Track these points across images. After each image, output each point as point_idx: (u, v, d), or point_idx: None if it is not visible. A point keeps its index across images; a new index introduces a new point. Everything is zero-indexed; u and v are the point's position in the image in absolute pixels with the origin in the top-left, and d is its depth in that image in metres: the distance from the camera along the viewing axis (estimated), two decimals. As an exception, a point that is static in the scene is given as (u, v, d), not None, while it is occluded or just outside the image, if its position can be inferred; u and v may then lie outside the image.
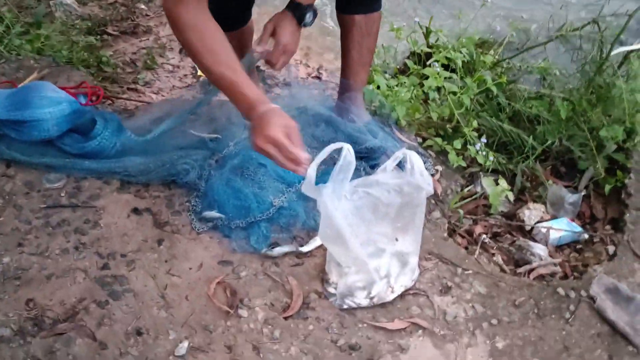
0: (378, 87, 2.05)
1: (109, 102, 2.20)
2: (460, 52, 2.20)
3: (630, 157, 2.22)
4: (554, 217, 2.07)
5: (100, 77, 2.37)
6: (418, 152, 2.00)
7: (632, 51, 2.13)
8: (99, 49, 2.54)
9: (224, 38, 1.46)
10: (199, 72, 2.63)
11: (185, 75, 2.60)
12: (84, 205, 1.66)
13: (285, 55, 1.67)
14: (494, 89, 2.12)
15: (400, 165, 1.51)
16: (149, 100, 2.29)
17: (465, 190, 2.01)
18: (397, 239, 1.53)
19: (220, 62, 1.43)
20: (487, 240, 1.88)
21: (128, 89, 2.40)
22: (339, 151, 1.37)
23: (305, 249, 1.64)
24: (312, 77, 2.73)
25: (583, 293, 1.65)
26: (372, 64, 2.25)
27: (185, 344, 1.36)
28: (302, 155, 1.37)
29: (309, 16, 1.66)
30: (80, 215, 1.63)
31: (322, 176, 1.48)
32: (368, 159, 1.96)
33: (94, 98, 2.05)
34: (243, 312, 1.45)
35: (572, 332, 1.55)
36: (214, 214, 1.64)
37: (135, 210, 1.67)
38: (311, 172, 1.37)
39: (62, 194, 1.68)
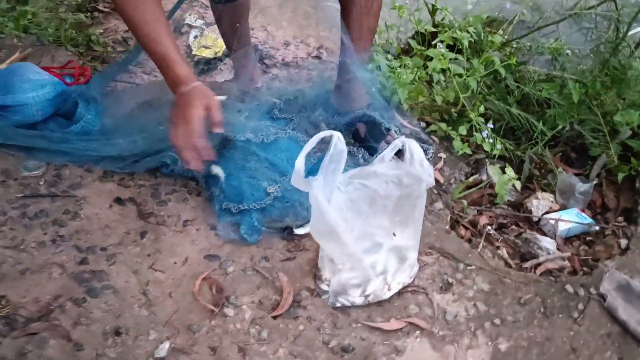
0: (378, 68, 1.93)
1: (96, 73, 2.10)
2: (467, 32, 2.07)
3: (645, 143, 2.11)
4: (563, 207, 1.97)
5: (89, 56, 2.27)
6: (421, 138, 1.91)
7: (650, 31, 2.00)
8: (88, 27, 2.43)
9: (159, 11, 1.47)
10: (194, 51, 2.53)
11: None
12: (64, 194, 1.57)
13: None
14: (502, 71, 2.00)
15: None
16: (139, 82, 2.18)
17: (470, 178, 1.90)
18: (394, 234, 1.44)
19: (153, 35, 1.45)
20: (492, 232, 1.78)
21: (113, 41, 2.30)
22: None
23: (300, 231, 1.56)
24: (312, 57, 2.62)
25: (593, 290, 1.56)
26: (373, 44, 2.13)
27: (167, 344, 1.28)
28: (202, 145, 1.44)
29: None
30: (60, 205, 1.54)
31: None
32: (367, 146, 1.86)
33: (81, 78, 1.95)
34: (229, 311, 1.36)
35: (580, 332, 1.46)
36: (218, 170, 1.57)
37: (118, 200, 1.58)
38: (299, 163, 1.27)
39: (41, 183, 1.59)
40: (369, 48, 1.92)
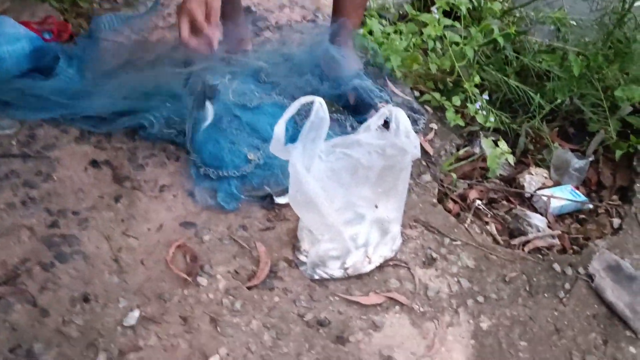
0: (370, 33, 1.85)
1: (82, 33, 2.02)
2: (466, -1, 1.99)
3: (646, 120, 2.04)
4: (557, 184, 1.91)
5: (74, 13, 2.18)
6: (413, 108, 1.84)
7: (657, 2, 1.91)
8: (74, -18, 2.33)
9: None
10: (185, 12, 2.44)
11: (170, 14, 2.39)
12: (37, 155, 1.51)
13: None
14: (501, 41, 1.92)
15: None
16: (125, 41, 2.10)
17: (462, 151, 1.84)
18: (376, 206, 1.38)
19: None
20: (481, 206, 1.73)
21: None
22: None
23: (281, 200, 1.51)
24: (307, 21, 2.52)
25: (581, 270, 1.51)
26: (367, 7, 2.05)
27: (136, 313, 1.24)
28: (208, 29, 1.40)
29: None
30: (32, 166, 1.48)
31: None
32: (356, 114, 1.80)
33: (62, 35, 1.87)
34: (203, 281, 1.32)
35: (565, 312, 1.42)
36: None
37: (94, 163, 1.52)
38: (279, 129, 1.22)
39: (14, 142, 1.53)
40: (362, 12, 1.84)
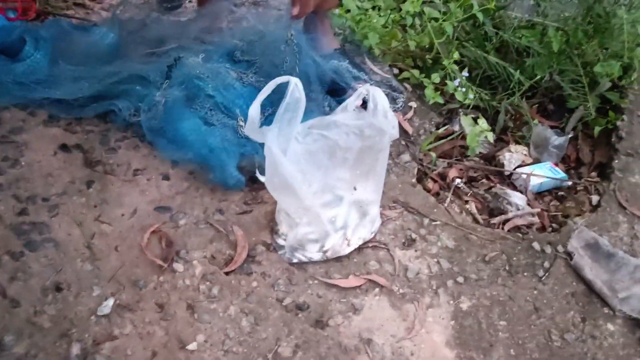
0: (348, 12, 1.81)
1: (50, 18, 1.95)
2: (445, -27, 1.95)
3: (625, 96, 2.04)
4: (536, 161, 1.91)
5: (41, -11, 2.10)
6: (392, 86, 1.81)
7: (637, -24, 1.89)
8: (42, -44, 2.24)
9: None
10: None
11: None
12: (4, 140, 1.45)
13: None
14: (480, 16, 1.89)
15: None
16: (96, 19, 2.03)
17: (441, 129, 1.82)
18: (355, 188, 1.36)
19: None
20: (460, 185, 1.72)
21: (74, 3, 2.13)
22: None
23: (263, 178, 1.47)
24: (284, -4, 2.46)
25: (560, 248, 1.51)
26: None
27: (111, 301, 1.21)
28: None
29: None
30: (-1, 151, 1.43)
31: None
32: (334, 94, 1.76)
33: (27, 13, 1.80)
34: (179, 266, 1.29)
35: (544, 291, 1.42)
36: None
37: (64, 147, 1.47)
38: (253, 111, 1.18)
39: (-21, 127, 1.48)
40: None
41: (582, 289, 1.44)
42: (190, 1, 2.32)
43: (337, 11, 1.76)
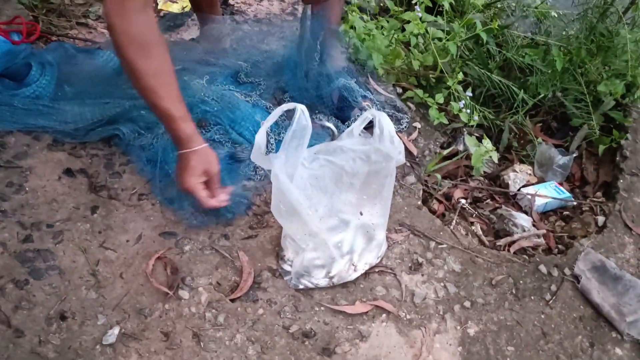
0: (352, 28, 1.80)
1: (55, 39, 1.95)
2: (449, -8, 1.95)
3: (628, 114, 2.04)
4: (541, 180, 1.90)
5: (44, 9, 2.10)
6: (396, 106, 1.81)
7: (640, -4, 1.89)
8: (44, -24, 2.24)
9: (168, 60, 1.27)
10: (160, 5, 2.37)
11: (144, 8, 2.32)
12: (8, 165, 1.45)
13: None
14: (484, 36, 1.89)
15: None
16: (98, 40, 2.03)
17: (445, 152, 1.81)
18: (361, 213, 1.36)
19: (158, 89, 1.25)
20: (466, 206, 1.71)
21: (77, 23, 2.14)
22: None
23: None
24: (286, 13, 2.47)
25: (567, 271, 1.51)
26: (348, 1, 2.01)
27: (116, 330, 1.20)
28: (214, 203, 1.35)
29: None
30: (3, 177, 1.42)
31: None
32: (340, 113, 1.76)
33: (30, 36, 1.80)
34: (184, 294, 1.28)
35: (552, 315, 1.41)
36: None
37: (68, 172, 1.47)
38: (260, 138, 1.18)
39: (-18, 152, 1.47)
40: (342, 4, 1.79)
41: (590, 313, 1.43)
42: (192, 19, 2.33)
43: (342, 27, 1.75)
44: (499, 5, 2.29)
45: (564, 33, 2.08)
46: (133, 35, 1.20)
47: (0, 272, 1.24)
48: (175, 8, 2.36)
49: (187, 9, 2.35)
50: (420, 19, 1.81)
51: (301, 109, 1.18)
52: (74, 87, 1.58)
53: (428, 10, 2.00)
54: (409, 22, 1.82)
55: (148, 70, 1.23)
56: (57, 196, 1.41)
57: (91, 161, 1.51)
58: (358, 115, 1.71)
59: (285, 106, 1.20)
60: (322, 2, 1.72)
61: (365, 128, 1.34)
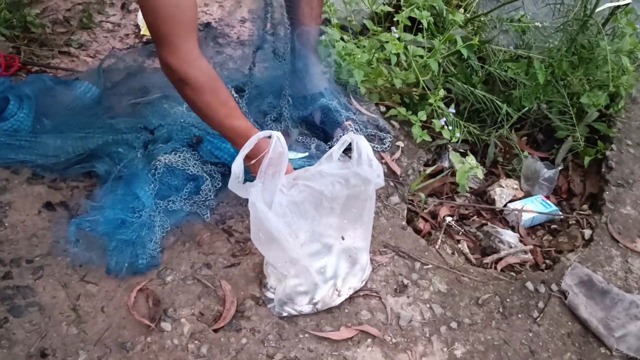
0: (333, 46, 1.80)
1: (36, 70, 1.95)
2: (428, 11, 1.95)
3: (613, 125, 2.04)
4: (527, 194, 1.90)
5: (26, 39, 2.11)
6: (379, 126, 1.81)
7: (618, 7, 1.89)
8: (25, 6, 2.25)
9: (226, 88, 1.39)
10: (142, 31, 2.37)
11: (127, 34, 2.33)
12: (-14, 200, 1.45)
13: None
14: (465, 52, 1.89)
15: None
16: (80, 68, 2.03)
17: (429, 170, 1.80)
18: (343, 238, 1.35)
19: (236, 113, 1.38)
20: (452, 224, 1.70)
21: (60, 52, 2.14)
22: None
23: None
24: (269, 35, 2.46)
25: (554, 287, 1.50)
26: (329, 24, 2.02)
27: (97, 366, 1.19)
28: None
29: None
30: (-18, 213, 1.42)
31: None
32: (321, 135, 1.76)
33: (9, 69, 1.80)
34: (166, 325, 1.27)
35: (540, 332, 1.40)
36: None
37: (48, 205, 1.46)
38: (236, 167, 1.17)
39: (-39, 188, 1.46)
40: (319, 21, 1.80)
41: (578, 329, 1.42)
42: (176, 44, 2.32)
43: (322, 38, 1.76)
44: (480, 20, 2.30)
45: (545, 45, 2.09)
46: (204, 81, 1.31)
47: (-21, 311, 1.23)
48: (158, 33, 2.36)
49: (170, 34, 2.35)
50: (399, 38, 1.81)
51: (277, 136, 1.18)
52: (52, 120, 1.58)
53: (409, 28, 2.00)
54: (387, 42, 1.82)
55: (220, 104, 1.35)
56: (37, 231, 1.40)
57: (72, 193, 1.50)
58: (341, 135, 1.71)
59: (262, 133, 1.20)
60: (304, 25, 1.73)
61: (344, 151, 1.33)
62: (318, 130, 1.79)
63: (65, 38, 2.20)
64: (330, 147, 1.67)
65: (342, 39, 1.97)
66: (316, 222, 1.31)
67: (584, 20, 1.93)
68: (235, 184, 1.20)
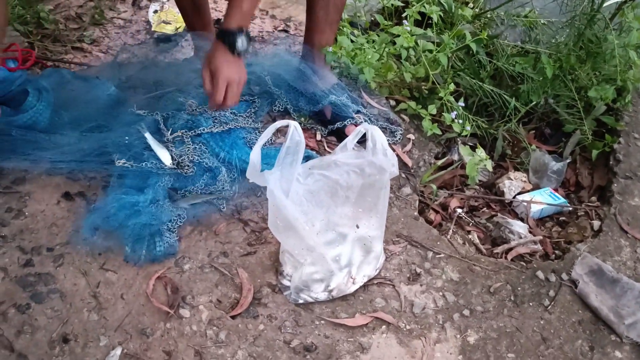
0: (341, 48, 1.83)
1: (51, 64, 1.97)
2: (437, 6, 1.97)
3: (620, 118, 2.06)
4: (536, 186, 1.92)
5: (39, 35, 2.13)
6: (389, 119, 1.83)
7: (625, 2, 1.91)
8: (38, 2, 2.27)
9: None
10: (154, 27, 2.40)
11: (138, 30, 2.36)
12: (7, 191, 1.47)
13: (232, 88, 1.49)
14: (474, 46, 1.92)
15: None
16: (93, 64, 2.06)
17: (440, 162, 1.82)
18: (358, 226, 1.37)
19: None
20: (462, 215, 1.72)
21: (72, 48, 2.16)
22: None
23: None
24: (279, 31, 2.50)
25: (564, 276, 1.52)
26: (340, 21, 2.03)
27: (118, 350, 1.21)
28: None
29: (240, 42, 1.46)
30: (2, 202, 1.44)
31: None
32: (333, 130, 1.78)
33: (26, 63, 1.82)
34: (185, 312, 1.29)
35: (551, 320, 1.42)
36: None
37: (67, 195, 1.48)
38: (254, 156, 1.19)
39: (-19, 178, 1.49)
40: (336, 27, 1.82)
41: (589, 317, 1.44)
42: (186, 40, 2.35)
43: (330, 48, 1.78)
44: (488, 16, 2.32)
45: (553, 40, 2.11)
46: None
47: (2, 297, 1.25)
48: (169, 29, 2.38)
49: (180, 30, 2.38)
50: (410, 32, 1.84)
51: (294, 125, 1.20)
52: (70, 112, 1.60)
53: (418, 23, 2.02)
54: (399, 35, 1.85)
55: None
56: (57, 220, 1.43)
57: (89, 184, 1.52)
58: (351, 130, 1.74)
59: (279, 123, 1.22)
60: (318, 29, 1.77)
61: (358, 142, 1.36)
62: (329, 125, 1.80)
63: (77, 34, 2.23)
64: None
65: (352, 34, 2.00)
66: (331, 210, 1.33)
67: (591, 15, 1.95)
68: (253, 172, 1.22)
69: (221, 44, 1.46)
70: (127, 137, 1.54)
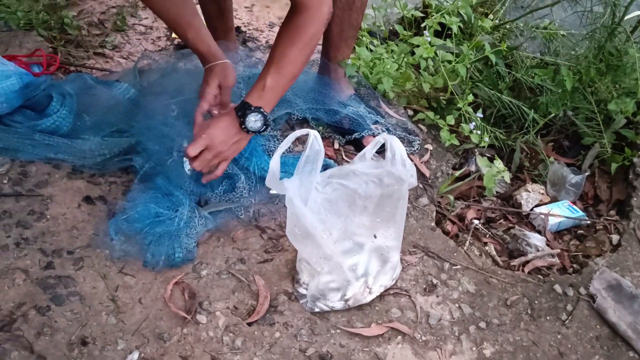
0: (360, 59, 1.84)
1: (74, 69, 2.00)
2: (457, 17, 1.98)
3: (640, 132, 2.04)
4: (554, 199, 1.91)
5: (62, 40, 2.17)
6: (407, 129, 1.83)
7: (647, 15, 1.91)
8: (62, 9, 2.31)
9: None
10: (174, 34, 2.42)
11: (159, 37, 2.39)
12: (29, 193, 1.49)
13: (216, 159, 1.38)
14: (493, 58, 1.92)
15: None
16: (115, 69, 2.09)
17: (457, 173, 1.82)
18: (375, 236, 1.37)
19: (180, 20, 1.44)
20: (479, 226, 1.72)
21: (95, 53, 2.20)
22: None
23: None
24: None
25: (582, 290, 1.51)
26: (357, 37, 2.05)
27: (135, 355, 1.22)
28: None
29: (253, 120, 1.35)
30: (25, 205, 1.46)
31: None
32: (351, 140, 1.79)
33: (50, 68, 1.85)
34: (202, 318, 1.30)
35: (568, 335, 1.41)
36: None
37: (87, 199, 1.50)
38: (274, 164, 1.20)
39: (5, 181, 1.50)
40: (352, 43, 1.82)
41: (607, 332, 1.43)
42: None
43: (349, 61, 1.78)
44: (507, 27, 2.32)
45: (572, 53, 2.10)
46: None
47: (23, 298, 1.27)
48: (189, 36, 2.41)
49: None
50: (430, 43, 1.84)
51: (314, 134, 1.21)
52: (92, 117, 1.62)
53: (437, 33, 2.03)
54: (418, 45, 1.85)
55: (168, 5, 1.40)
56: (77, 223, 1.44)
57: (109, 188, 1.54)
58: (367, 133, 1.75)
59: (299, 132, 1.23)
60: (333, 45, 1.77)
61: (377, 152, 1.36)
62: (348, 136, 1.81)
63: (99, 40, 2.26)
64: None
65: (371, 43, 2.01)
66: (349, 220, 1.34)
67: (612, 28, 1.94)
68: (272, 180, 1.23)
69: (234, 114, 1.36)
70: (157, 146, 1.56)
